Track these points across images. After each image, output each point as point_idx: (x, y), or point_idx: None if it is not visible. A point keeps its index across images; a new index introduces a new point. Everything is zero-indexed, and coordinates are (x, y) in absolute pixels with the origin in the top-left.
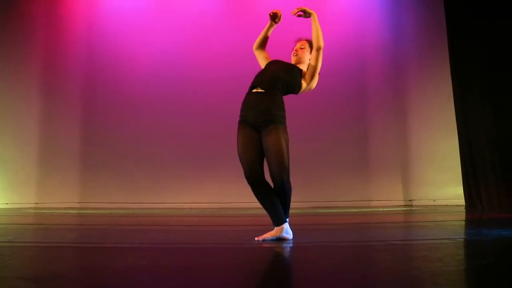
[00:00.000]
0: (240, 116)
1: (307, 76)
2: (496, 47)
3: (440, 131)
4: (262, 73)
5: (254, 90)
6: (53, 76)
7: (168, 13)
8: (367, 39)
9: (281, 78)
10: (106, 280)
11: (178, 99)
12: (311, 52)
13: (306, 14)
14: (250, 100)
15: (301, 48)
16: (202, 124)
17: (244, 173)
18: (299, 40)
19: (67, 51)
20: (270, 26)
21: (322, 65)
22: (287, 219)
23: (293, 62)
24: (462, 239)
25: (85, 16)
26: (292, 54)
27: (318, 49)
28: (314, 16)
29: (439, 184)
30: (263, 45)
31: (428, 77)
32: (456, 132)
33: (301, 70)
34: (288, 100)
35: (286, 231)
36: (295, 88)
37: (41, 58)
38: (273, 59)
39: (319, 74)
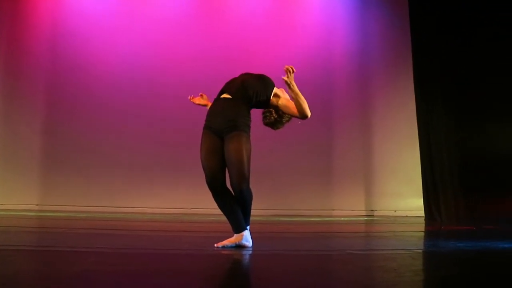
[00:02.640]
0: (206, 121)
1: (283, 102)
2: (459, 61)
3: (403, 143)
4: (232, 79)
5: (222, 96)
6: (16, 76)
7: (136, 15)
8: (333, 51)
9: (251, 85)
10: (61, 284)
11: (145, 102)
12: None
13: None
14: (216, 107)
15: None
16: (168, 129)
17: (206, 179)
18: None
19: (31, 49)
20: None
21: None
22: (248, 227)
23: None
24: (418, 250)
25: (50, 15)
26: None
27: (302, 118)
28: (291, 87)
29: (400, 195)
30: None
31: (392, 89)
32: (418, 144)
33: (274, 85)
34: (255, 109)
35: (246, 238)
36: (265, 98)
37: (3, 58)
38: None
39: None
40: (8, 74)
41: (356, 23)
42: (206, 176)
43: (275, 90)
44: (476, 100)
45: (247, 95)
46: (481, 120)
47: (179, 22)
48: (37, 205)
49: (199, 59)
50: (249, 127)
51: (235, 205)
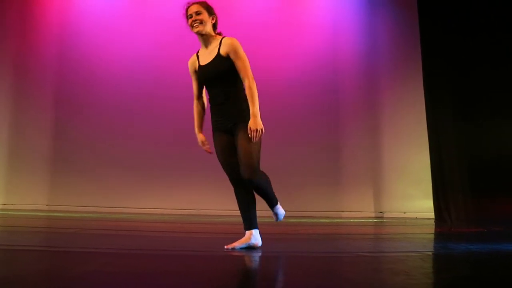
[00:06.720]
0: (212, 125)
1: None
2: (470, 62)
3: (412, 144)
4: (210, 90)
5: (216, 104)
6: (24, 76)
7: (143, 17)
8: (341, 51)
9: (224, 79)
10: (65, 285)
11: (153, 103)
12: (209, 16)
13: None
14: (216, 111)
15: (198, 14)
16: (177, 129)
17: (229, 178)
18: (190, 5)
19: (39, 51)
20: None
21: (295, 76)
22: (277, 204)
23: (195, 32)
24: (429, 253)
25: (58, 16)
26: (190, 25)
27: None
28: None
29: (409, 197)
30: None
31: (401, 90)
32: (428, 146)
33: (224, 57)
34: (263, 111)
35: (255, 237)
36: (235, 73)
37: (12, 59)
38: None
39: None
40: (17, 75)
41: (363, 22)
42: (229, 175)
43: (228, 49)
44: (487, 101)
45: (232, 90)
46: (491, 121)
47: (186, 24)
48: (47, 205)
49: None
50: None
51: (252, 203)
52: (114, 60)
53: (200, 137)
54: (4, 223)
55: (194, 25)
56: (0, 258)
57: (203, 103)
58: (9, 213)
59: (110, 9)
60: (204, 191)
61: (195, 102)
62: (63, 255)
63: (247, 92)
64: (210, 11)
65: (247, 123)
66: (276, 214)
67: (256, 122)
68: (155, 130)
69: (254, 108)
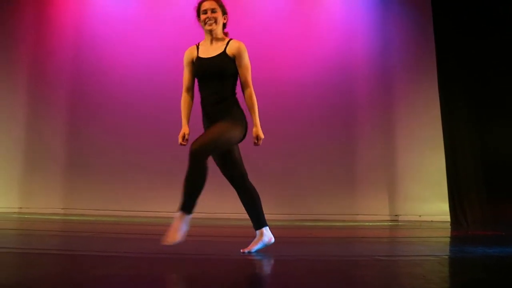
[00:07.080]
0: (203, 127)
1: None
2: (485, 63)
3: (427, 146)
4: (204, 87)
5: (208, 103)
6: (40, 80)
7: (158, 19)
8: (355, 54)
9: (223, 78)
10: None
11: (166, 106)
12: (222, 15)
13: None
14: (211, 111)
15: (213, 12)
16: (192, 132)
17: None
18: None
19: (55, 55)
20: None
21: (307, 77)
22: (192, 211)
23: (207, 30)
24: (446, 256)
25: (74, 21)
26: (203, 20)
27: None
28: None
29: (425, 200)
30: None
31: (415, 93)
32: (443, 148)
33: (229, 57)
34: (276, 112)
35: (267, 235)
36: (235, 73)
37: (28, 62)
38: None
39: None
40: (33, 78)
41: (376, 23)
42: (226, 178)
43: (235, 52)
44: (503, 103)
45: (227, 91)
46: (507, 124)
47: (200, 26)
48: (62, 208)
49: None
50: (238, 115)
51: (256, 201)
52: (129, 63)
53: (185, 129)
54: (21, 227)
55: (209, 22)
56: (17, 262)
57: (192, 96)
58: (25, 216)
59: (124, 12)
60: (217, 194)
61: (184, 94)
62: (78, 259)
63: (248, 101)
64: (224, 10)
65: (230, 118)
66: (181, 218)
67: (259, 131)
68: (169, 132)
69: (257, 117)
